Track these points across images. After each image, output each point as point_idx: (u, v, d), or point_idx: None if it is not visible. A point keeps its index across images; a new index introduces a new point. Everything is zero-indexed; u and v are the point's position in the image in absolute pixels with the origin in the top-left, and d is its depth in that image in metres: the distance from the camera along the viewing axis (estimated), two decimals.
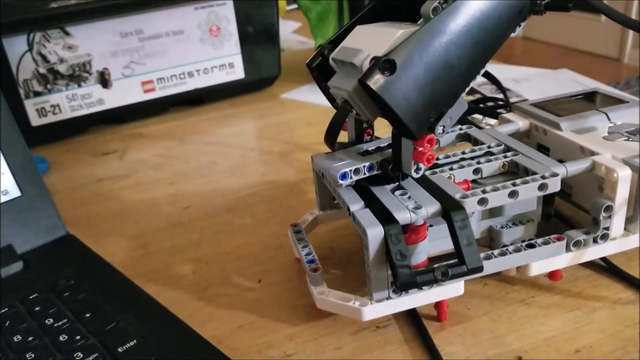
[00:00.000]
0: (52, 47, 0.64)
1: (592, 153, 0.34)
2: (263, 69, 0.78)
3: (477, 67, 0.29)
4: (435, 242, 0.33)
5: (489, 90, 0.69)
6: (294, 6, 1.28)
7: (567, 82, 0.71)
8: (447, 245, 0.33)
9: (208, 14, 0.71)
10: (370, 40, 0.30)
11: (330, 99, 0.34)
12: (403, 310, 0.31)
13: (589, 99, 0.42)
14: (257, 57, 0.76)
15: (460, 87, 0.29)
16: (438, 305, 0.32)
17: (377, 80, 0.26)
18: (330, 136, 0.32)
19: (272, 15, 0.76)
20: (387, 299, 0.30)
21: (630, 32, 2.90)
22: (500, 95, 0.56)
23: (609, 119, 0.38)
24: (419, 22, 0.30)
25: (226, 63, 0.74)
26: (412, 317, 0.32)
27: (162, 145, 0.65)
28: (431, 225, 0.33)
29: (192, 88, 0.73)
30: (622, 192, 0.32)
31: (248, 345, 0.32)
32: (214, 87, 0.74)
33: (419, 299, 0.30)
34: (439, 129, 0.29)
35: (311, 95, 0.77)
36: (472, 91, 0.69)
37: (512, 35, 0.31)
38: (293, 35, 1.15)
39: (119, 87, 0.69)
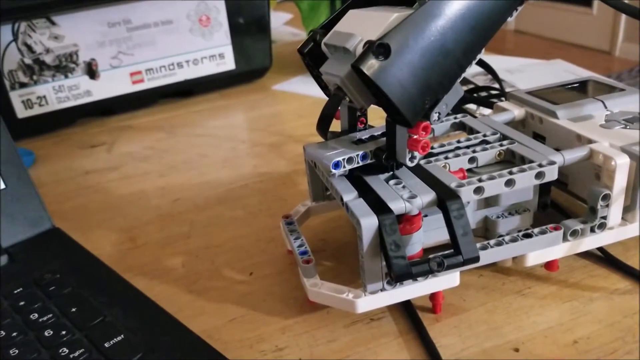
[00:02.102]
0: (37, 37, 0.62)
1: (590, 141, 0.33)
2: (254, 60, 0.77)
3: (473, 52, 0.28)
4: (430, 233, 0.33)
5: (482, 81, 0.68)
6: None
7: (560, 72, 0.71)
8: (443, 236, 0.32)
9: (197, 4, 0.70)
10: (364, 24, 0.29)
11: (323, 86, 0.33)
12: (397, 302, 0.30)
13: (585, 88, 0.41)
14: (248, 48, 0.75)
15: (456, 72, 0.28)
16: (433, 296, 0.31)
17: (371, 65, 0.26)
18: (323, 125, 0.31)
19: (262, 5, 0.74)
20: (381, 290, 0.29)
21: (622, 25, 2.91)
22: (494, 85, 0.56)
23: (605, 107, 0.37)
24: (414, 6, 0.29)
25: (216, 54, 0.73)
26: (406, 309, 0.32)
27: (151, 138, 0.64)
28: (426, 216, 0.32)
29: (182, 79, 0.72)
30: (620, 181, 0.31)
31: (239, 339, 0.31)
32: (204, 79, 0.73)
33: (413, 290, 0.30)
34: (434, 116, 0.28)
35: (303, 86, 0.76)
36: (466, 81, 0.69)
37: (509, 19, 0.30)
38: (285, 27, 1.14)
39: (106, 78, 0.67)
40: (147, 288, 0.35)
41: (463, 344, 0.29)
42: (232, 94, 0.76)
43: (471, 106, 0.56)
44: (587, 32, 3.10)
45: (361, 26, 0.29)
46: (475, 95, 0.53)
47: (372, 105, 0.30)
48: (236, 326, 0.32)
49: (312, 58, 0.33)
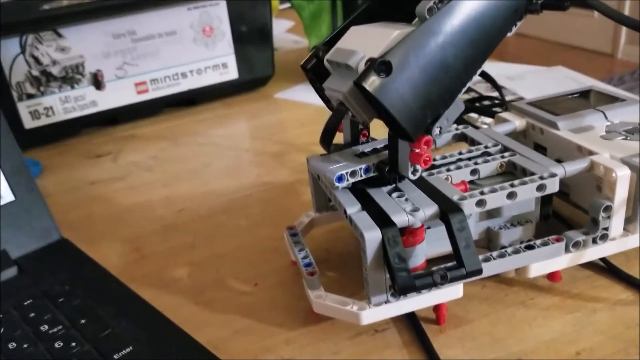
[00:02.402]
0: (44, 49, 0.63)
1: (590, 152, 0.34)
2: (256, 69, 0.77)
3: (473, 67, 0.29)
4: (433, 244, 0.33)
5: (484, 89, 0.68)
6: (287, 5, 1.28)
7: (562, 79, 0.71)
8: (445, 247, 0.33)
9: (201, 14, 0.70)
10: (366, 41, 0.29)
11: (326, 100, 0.34)
12: (402, 314, 0.31)
13: (586, 97, 0.42)
14: (251, 57, 0.76)
15: (457, 87, 0.29)
16: (437, 308, 0.32)
17: (372, 82, 0.26)
18: (326, 138, 0.31)
19: (265, 14, 0.75)
20: (386, 302, 0.30)
21: (624, 28, 2.91)
22: (496, 94, 0.56)
23: (606, 118, 0.38)
24: (414, 23, 0.30)
25: (219, 63, 0.73)
26: (410, 321, 0.32)
27: (156, 147, 0.64)
28: (429, 227, 0.33)
29: (186, 89, 0.72)
30: (621, 192, 0.31)
31: (245, 350, 0.32)
32: (207, 88, 0.74)
33: (417, 302, 0.30)
34: (436, 130, 0.29)
35: (305, 94, 0.76)
36: (468, 90, 0.69)
37: (509, 34, 0.30)
38: (286, 35, 1.15)
39: (112, 89, 0.68)
40: (154, 299, 0.36)
41: (466, 356, 0.30)
42: (235, 103, 0.77)
43: (473, 115, 0.57)
44: (589, 34, 3.10)
45: (363, 43, 0.29)
46: (477, 104, 0.54)
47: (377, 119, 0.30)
48: (241, 337, 0.33)
49: (315, 73, 0.33)
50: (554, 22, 3.27)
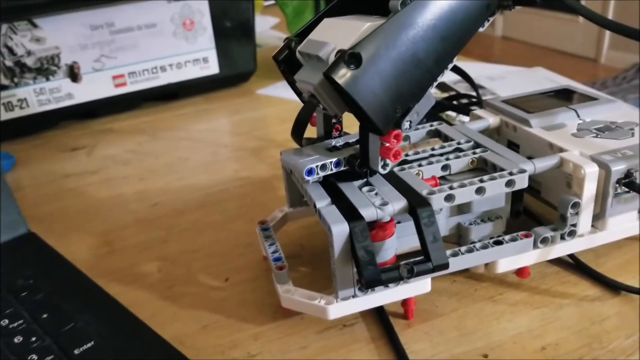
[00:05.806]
0: (19, 39, 0.62)
1: (561, 150, 0.34)
2: (238, 64, 0.77)
3: (444, 61, 0.29)
4: (404, 239, 0.33)
5: (464, 88, 0.68)
6: (272, 2, 1.27)
7: (541, 80, 0.71)
8: (417, 242, 0.33)
9: (182, 7, 0.70)
10: (337, 33, 0.29)
11: (298, 93, 0.33)
12: (369, 308, 0.30)
13: (560, 96, 0.42)
14: (232, 52, 0.75)
15: (427, 81, 0.29)
16: (405, 303, 0.31)
17: (342, 74, 0.26)
18: (297, 131, 0.31)
19: (247, 9, 0.74)
20: (353, 297, 0.30)
21: (607, 33, 2.95)
22: (474, 93, 0.56)
23: (578, 116, 0.38)
24: (388, 16, 0.30)
25: (200, 58, 0.73)
26: (379, 315, 0.32)
27: (133, 141, 0.63)
28: (399, 222, 0.32)
29: (165, 83, 0.71)
30: (590, 189, 0.32)
31: (211, 345, 0.31)
32: (187, 82, 0.73)
33: (385, 296, 0.30)
34: (406, 124, 0.29)
35: (287, 91, 0.75)
36: (446, 88, 0.69)
37: (481, 29, 0.30)
38: (271, 31, 1.14)
39: (89, 82, 0.67)
40: (122, 293, 0.35)
41: (433, 350, 0.30)
42: (217, 98, 0.76)
43: (452, 114, 0.57)
44: (573, 39, 3.14)
45: (335, 35, 0.29)
46: (453, 102, 0.54)
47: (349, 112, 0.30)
48: (209, 333, 0.32)
49: (287, 65, 0.33)
50: (538, 26, 3.31)
